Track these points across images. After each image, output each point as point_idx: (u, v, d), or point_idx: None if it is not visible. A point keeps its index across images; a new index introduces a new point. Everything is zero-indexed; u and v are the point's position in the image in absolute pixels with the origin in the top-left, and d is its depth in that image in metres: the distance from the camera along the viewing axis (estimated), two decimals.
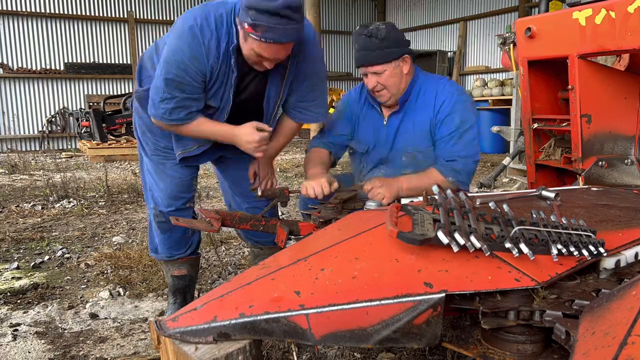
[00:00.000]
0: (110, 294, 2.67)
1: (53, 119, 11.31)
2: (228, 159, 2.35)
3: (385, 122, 2.33)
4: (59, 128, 11.37)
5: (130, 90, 11.51)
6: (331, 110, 2.58)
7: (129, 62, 11.89)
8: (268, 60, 1.83)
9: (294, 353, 1.29)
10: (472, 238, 1.11)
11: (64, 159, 9.39)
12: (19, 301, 2.62)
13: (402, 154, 2.29)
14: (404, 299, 1.02)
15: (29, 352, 2.09)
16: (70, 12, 11.29)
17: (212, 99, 1.97)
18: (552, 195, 1.63)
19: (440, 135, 2.19)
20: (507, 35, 3.20)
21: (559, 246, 1.15)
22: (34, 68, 11.01)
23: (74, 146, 11.40)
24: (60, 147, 11.43)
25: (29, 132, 11.14)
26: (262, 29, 1.69)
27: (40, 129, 11.20)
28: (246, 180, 2.34)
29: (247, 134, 1.97)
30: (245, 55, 1.87)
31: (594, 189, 2.00)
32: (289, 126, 2.23)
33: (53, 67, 11.22)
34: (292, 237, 1.97)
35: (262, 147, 2.00)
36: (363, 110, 2.40)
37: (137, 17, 11.89)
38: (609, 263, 1.21)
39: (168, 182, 2.18)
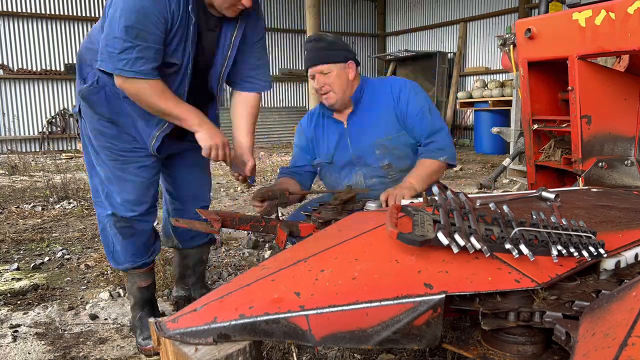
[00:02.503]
0: (111, 295, 2.67)
1: (53, 120, 11.32)
2: (180, 158, 2.23)
3: (345, 126, 2.43)
4: (59, 129, 11.38)
5: None
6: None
7: None
8: None
9: (294, 354, 1.29)
10: (472, 239, 1.11)
11: (64, 160, 9.40)
12: (19, 302, 2.62)
13: (373, 148, 2.37)
14: (404, 300, 1.02)
15: (29, 353, 2.09)
16: (70, 13, 11.31)
17: (173, 54, 1.86)
18: (552, 196, 1.63)
19: (412, 117, 2.33)
20: (507, 36, 3.20)
21: (559, 247, 1.15)
22: (34, 69, 11.02)
23: (74, 147, 11.41)
24: (61, 148, 11.43)
25: (29, 133, 11.15)
26: None
27: (40, 130, 11.21)
28: (191, 185, 2.28)
29: (216, 133, 1.92)
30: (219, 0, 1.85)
31: (594, 190, 2.01)
32: (249, 99, 2.15)
33: (53, 68, 11.23)
34: (292, 238, 1.97)
35: (215, 155, 1.94)
36: (318, 129, 2.51)
37: None
38: (609, 264, 1.21)
39: (129, 187, 2.03)
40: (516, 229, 1.19)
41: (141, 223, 2.08)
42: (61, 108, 11.39)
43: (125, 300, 2.64)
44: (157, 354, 2.04)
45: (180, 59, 1.88)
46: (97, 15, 11.55)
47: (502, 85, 9.90)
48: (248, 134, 2.15)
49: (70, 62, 11.36)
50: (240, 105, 2.16)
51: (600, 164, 2.20)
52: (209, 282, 2.87)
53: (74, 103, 11.47)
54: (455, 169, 7.50)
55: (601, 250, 1.18)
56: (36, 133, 11.18)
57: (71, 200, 5.13)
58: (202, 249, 2.45)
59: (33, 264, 3.19)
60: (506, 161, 4.68)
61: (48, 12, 11.06)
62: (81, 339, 2.23)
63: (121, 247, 2.11)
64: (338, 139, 2.44)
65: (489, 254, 1.11)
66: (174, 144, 2.12)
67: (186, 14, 1.81)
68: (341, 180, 2.44)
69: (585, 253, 1.16)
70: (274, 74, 13.52)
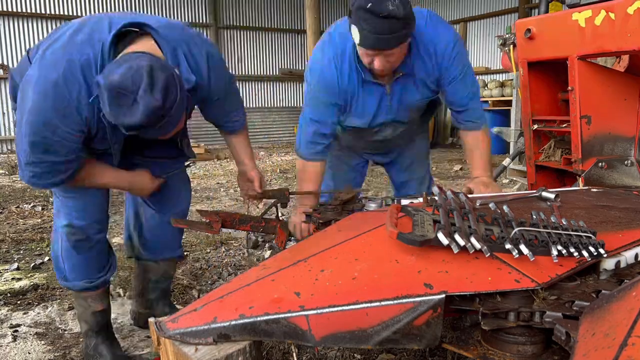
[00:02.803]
0: (111, 295, 2.67)
1: None
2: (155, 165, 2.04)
3: (388, 91, 2.13)
4: None
5: None
6: None
7: None
8: None
9: (294, 354, 1.29)
10: (472, 239, 1.11)
11: None
12: (19, 302, 2.62)
13: (405, 111, 2.22)
14: (404, 300, 1.02)
15: (29, 353, 2.09)
16: (70, 13, 11.31)
17: (97, 144, 1.71)
18: (552, 196, 1.63)
19: (449, 79, 2.09)
20: (507, 36, 3.21)
21: (559, 247, 1.15)
22: None
23: None
24: None
25: None
26: None
27: None
28: (171, 189, 2.10)
29: (146, 182, 1.90)
30: None
31: (594, 190, 2.00)
32: (236, 133, 2.10)
33: None
34: (292, 238, 1.97)
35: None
36: (352, 85, 2.11)
37: None
38: (609, 264, 1.21)
39: (83, 192, 1.83)
40: (516, 229, 1.19)
41: (98, 234, 1.91)
42: None
43: (125, 300, 2.64)
44: None
45: (106, 146, 1.73)
46: None
47: (502, 85, 9.89)
48: (248, 157, 2.12)
49: None
50: (231, 138, 2.11)
51: (600, 164, 2.20)
52: (209, 282, 2.87)
53: None
54: (455, 168, 7.51)
55: (601, 250, 1.18)
56: None
57: None
58: (169, 263, 2.25)
59: (33, 264, 3.19)
60: (506, 161, 4.68)
61: (48, 12, 11.06)
62: (81, 339, 2.22)
63: (75, 263, 1.91)
64: (378, 103, 2.16)
65: (489, 254, 1.11)
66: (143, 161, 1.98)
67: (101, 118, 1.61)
68: (364, 135, 2.34)
69: (585, 253, 1.17)
70: (274, 73, 13.53)
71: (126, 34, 1.61)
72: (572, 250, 1.16)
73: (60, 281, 1.97)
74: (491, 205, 1.37)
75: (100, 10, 11.62)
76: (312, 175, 2.18)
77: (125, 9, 11.87)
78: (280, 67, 13.70)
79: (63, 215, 1.86)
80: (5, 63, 10.73)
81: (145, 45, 1.60)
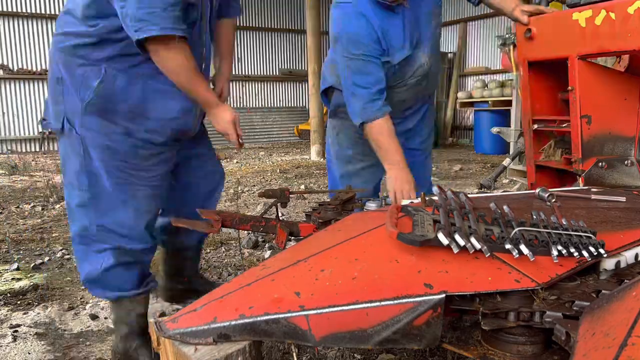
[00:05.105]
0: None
1: None
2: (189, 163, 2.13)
3: (407, 4, 2.06)
4: None
5: None
6: None
7: None
8: None
9: (294, 354, 1.29)
10: (472, 239, 1.11)
11: None
12: (19, 302, 2.62)
13: (431, 34, 2.13)
14: (404, 300, 1.02)
15: (29, 353, 2.09)
16: None
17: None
18: (545, 195, 1.62)
19: None
20: (507, 36, 3.21)
21: (559, 247, 1.15)
22: (34, 69, 11.03)
23: None
24: None
25: (29, 133, 11.15)
26: None
27: (40, 130, 11.20)
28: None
29: (230, 109, 1.88)
30: None
31: (594, 190, 2.00)
32: (227, 26, 2.15)
33: None
34: (292, 238, 1.97)
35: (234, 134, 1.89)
36: (381, 23, 2.02)
37: None
38: (609, 264, 1.21)
39: (140, 207, 1.83)
40: (516, 229, 1.19)
41: (151, 254, 1.94)
42: None
43: None
44: None
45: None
46: None
47: (502, 85, 9.89)
48: (228, 63, 2.16)
49: None
50: (221, 28, 2.13)
51: (600, 164, 2.20)
52: None
53: None
54: (455, 168, 7.50)
55: (601, 250, 1.18)
56: (36, 133, 11.18)
57: None
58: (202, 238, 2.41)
59: (33, 264, 3.19)
60: (506, 161, 4.68)
61: (48, 12, 11.06)
62: (81, 339, 2.22)
63: (125, 279, 1.88)
64: (404, 24, 2.04)
65: (489, 254, 1.11)
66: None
67: None
68: (406, 80, 2.20)
69: (585, 253, 1.16)
70: (274, 73, 13.54)
71: None
72: (572, 250, 1.16)
73: (96, 292, 1.96)
74: (491, 205, 1.37)
75: None
76: (385, 130, 2.06)
77: None
78: (280, 67, 13.70)
79: (112, 231, 1.83)
80: (5, 63, 10.73)
81: None
